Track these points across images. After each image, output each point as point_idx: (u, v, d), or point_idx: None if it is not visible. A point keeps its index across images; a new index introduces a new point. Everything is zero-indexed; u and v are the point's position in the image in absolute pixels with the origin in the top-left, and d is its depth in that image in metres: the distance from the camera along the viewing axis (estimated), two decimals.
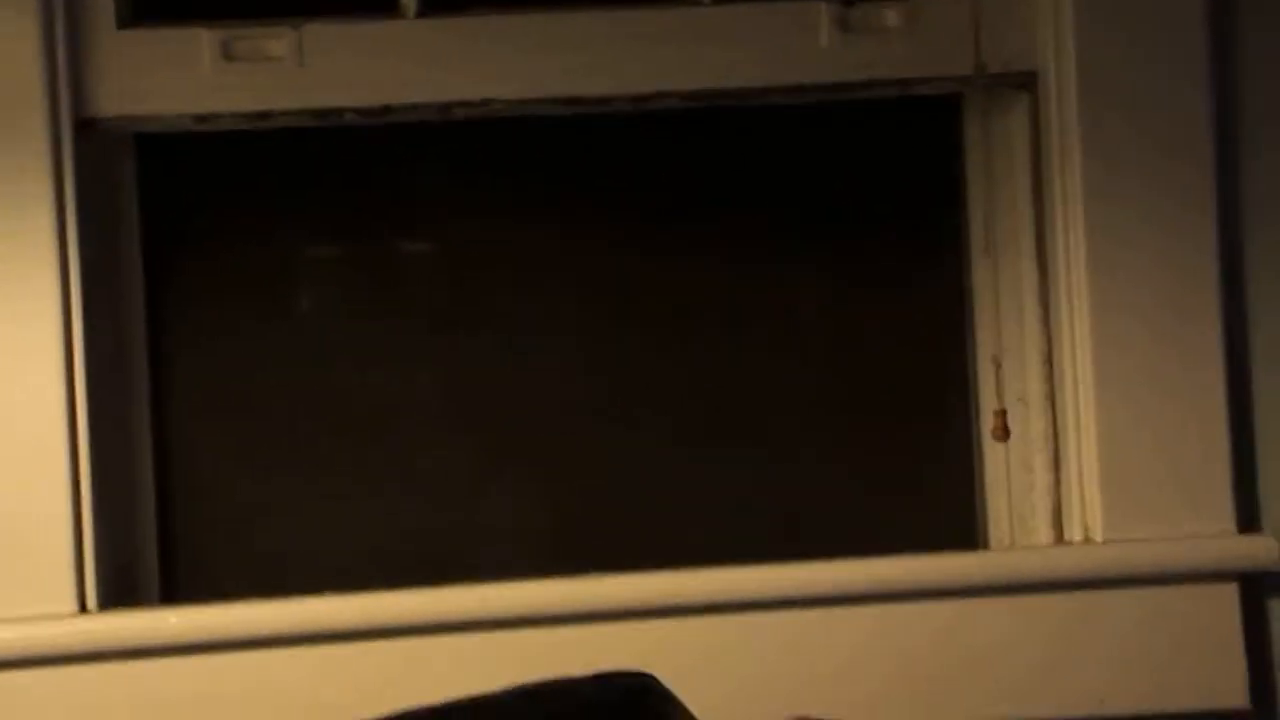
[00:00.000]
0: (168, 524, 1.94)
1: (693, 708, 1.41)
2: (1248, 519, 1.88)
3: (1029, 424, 1.94)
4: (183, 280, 1.95)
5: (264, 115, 1.85)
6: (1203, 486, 1.86)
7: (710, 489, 1.98)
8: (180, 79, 1.84)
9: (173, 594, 1.93)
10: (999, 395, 1.93)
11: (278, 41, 1.85)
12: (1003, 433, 1.91)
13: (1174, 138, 1.86)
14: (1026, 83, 1.90)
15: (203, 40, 1.84)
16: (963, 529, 1.98)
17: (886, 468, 1.99)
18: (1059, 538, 1.92)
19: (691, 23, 1.88)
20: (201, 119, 1.85)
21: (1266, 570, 1.85)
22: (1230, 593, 1.85)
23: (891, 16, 1.89)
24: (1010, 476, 1.96)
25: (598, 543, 1.96)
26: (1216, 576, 1.85)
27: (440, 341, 1.97)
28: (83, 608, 1.81)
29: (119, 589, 1.87)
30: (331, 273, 1.98)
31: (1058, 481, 1.92)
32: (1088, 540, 1.88)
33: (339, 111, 1.86)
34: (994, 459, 1.97)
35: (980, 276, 1.96)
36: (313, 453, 1.96)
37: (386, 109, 1.86)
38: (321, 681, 1.80)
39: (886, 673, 1.83)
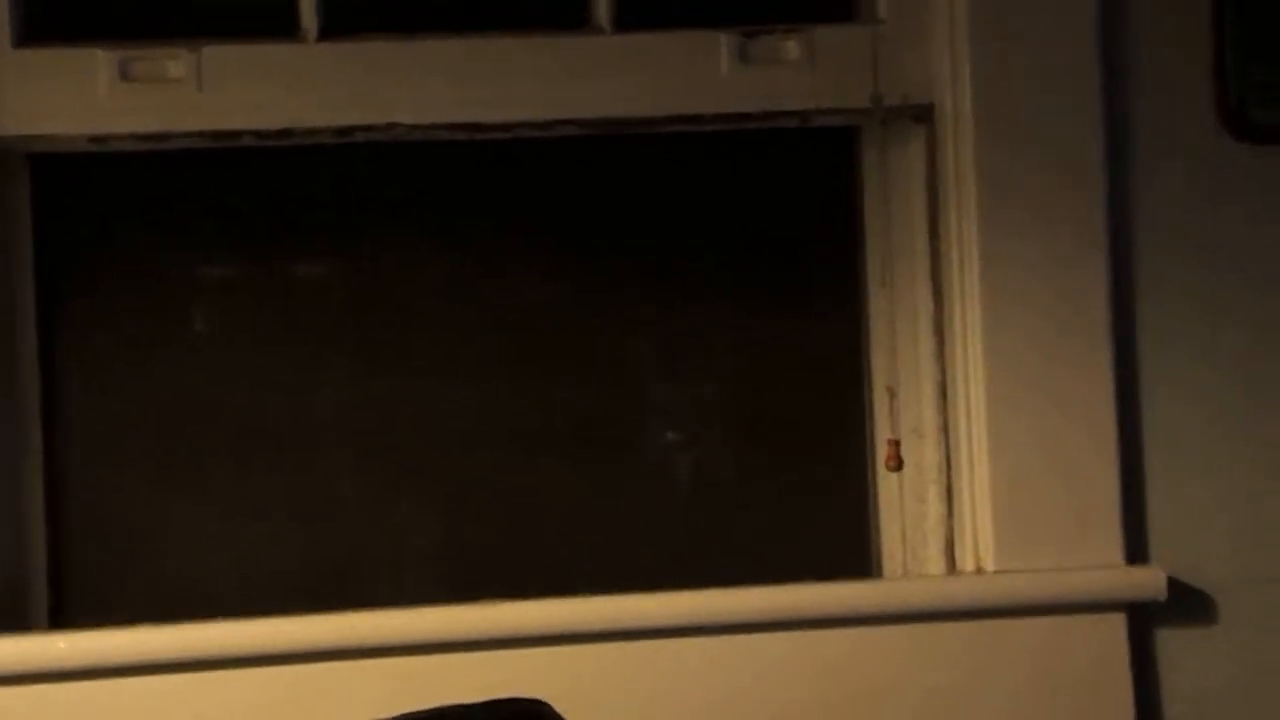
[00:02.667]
0: (58, 548, 1.91)
1: None
2: (1136, 551, 1.90)
3: (923, 454, 1.95)
4: (76, 301, 1.93)
5: (161, 137, 1.84)
6: (1093, 518, 1.88)
7: (606, 516, 1.98)
8: (77, 99, 1.82)
9: (63, 619, 1.90)
10: (893, 425, 1.94)
11: (176, 63, 1.84)
12: (896, 462, 1.91)
13: (1067, 170, 1.88)
14: (923, 115, 1.92)
15: (100, 60, 1.83)
16: (856, 558, 1.99)
17: (781, 496, 2.00)
18: (951, 567, 1.93)
19: (593, 51, 1.88)
20: (97, 139, 1.84)
21: (1153, 601, 1.87)
22: (1118, 623, 1.87)
23: (791, 48, 1.90)
24: (904, 506, 1.97)
25: (495, 568, 1.95)
26: (1105, 607, 1.87)
27: (337, 365, 1.96)
28: None
29: (7, 613, 1.85)
30: (229, 295, 1.96)
31: (951, 512, 1.93)
32: (979, 570, 1.89)
33: (237, 134, 1.85)
34: (887, 489, 1.98)
35: (876, 307, 1.97)
36: (208, 476, 1.95)
37: (286, 132, 1.85)
38: (212, 708, 1.78)
39: (780, 699, 1.84)
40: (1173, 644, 1.90)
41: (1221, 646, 1.91)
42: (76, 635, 1.80)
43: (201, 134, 1.84)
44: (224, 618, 1.81)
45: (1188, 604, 1.90)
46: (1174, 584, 1.88)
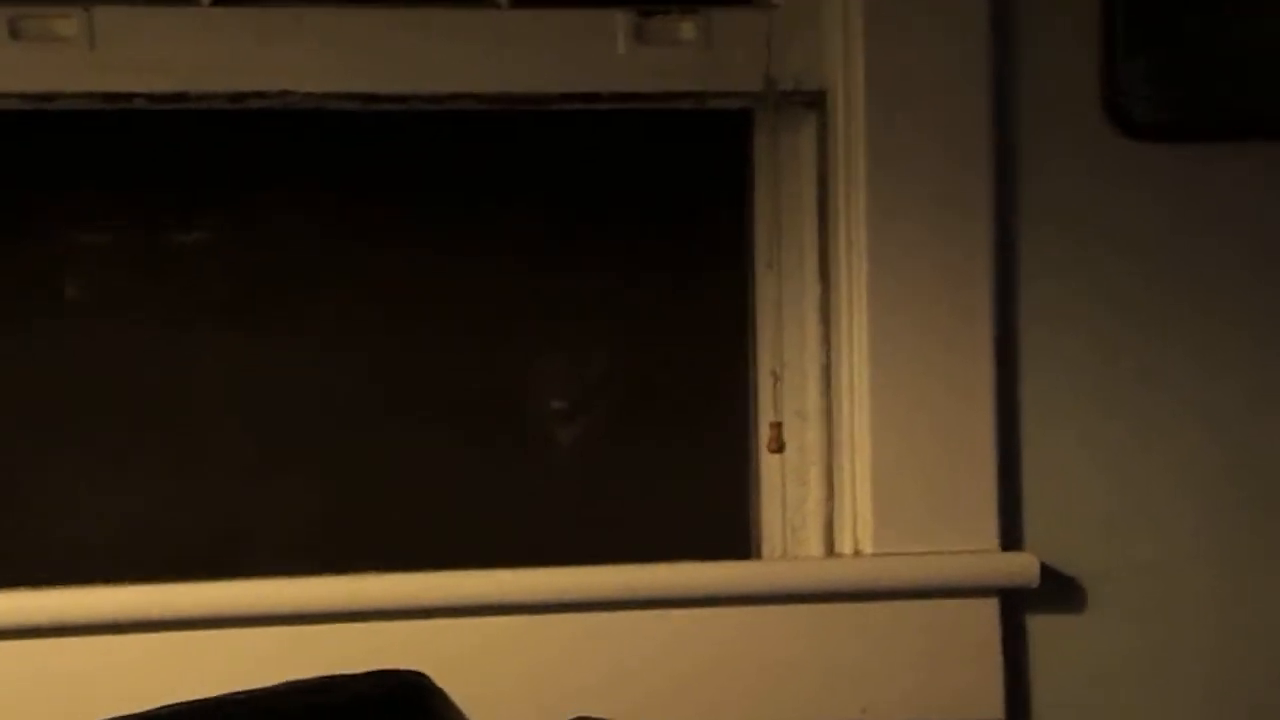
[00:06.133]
0: None
1: (467, 707, 1.41)
2: (1011, 537, 1.93)
3: (805, 437, 1.97)
4: None
5: (50, 97, 1.82)
6: (970, 504, 1.90)
7: (488, 491, 1.98)
8: None
9: None
10: (776, 408, 1.96)
11: (67, 22, 1.82)
12: (777, 445, 1.93)
13: (955, 158, 1.90)
14: (815, 101, 1.94)
15: None
16: (737, 538, 2.01)
17: (663, 475, 2.01)
18: (830, 550, 1.95)
19: (490, 25, 1.88)
20: None
21: (1026, 587, 1.90)
22: (991, 607, 1.90)
23: (687, 29, 1.91)
24: (785, 488, 1.99)
25: (375, 541, 1.95)
26: (979, 592, 1.90)
27: (221, 334, 1.95)
28: None
29: None
30: (115, 262, 1.94)
31: (831, 495, 1.95)
32: (857, 553, 1.91)
33: (129, 96, 1.83)
34: (769, 471, 2.00)
35: (763, 290, 1.99)
36: (86, 444, 1.93)
37: (179, 96, 1.83)
38: (92, 673, 1.77)
39: (661, 677, 1.85)
40: (1044, 629, 1.93)
41: (1092, 632, 1.94)
42: None
43: (92, 95, 1.82)
44: (104, 583, 1.80)
45: (1060, 590, 1.93)
46: (1047, 570, 1.91)
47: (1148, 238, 1.96)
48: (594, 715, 1.57)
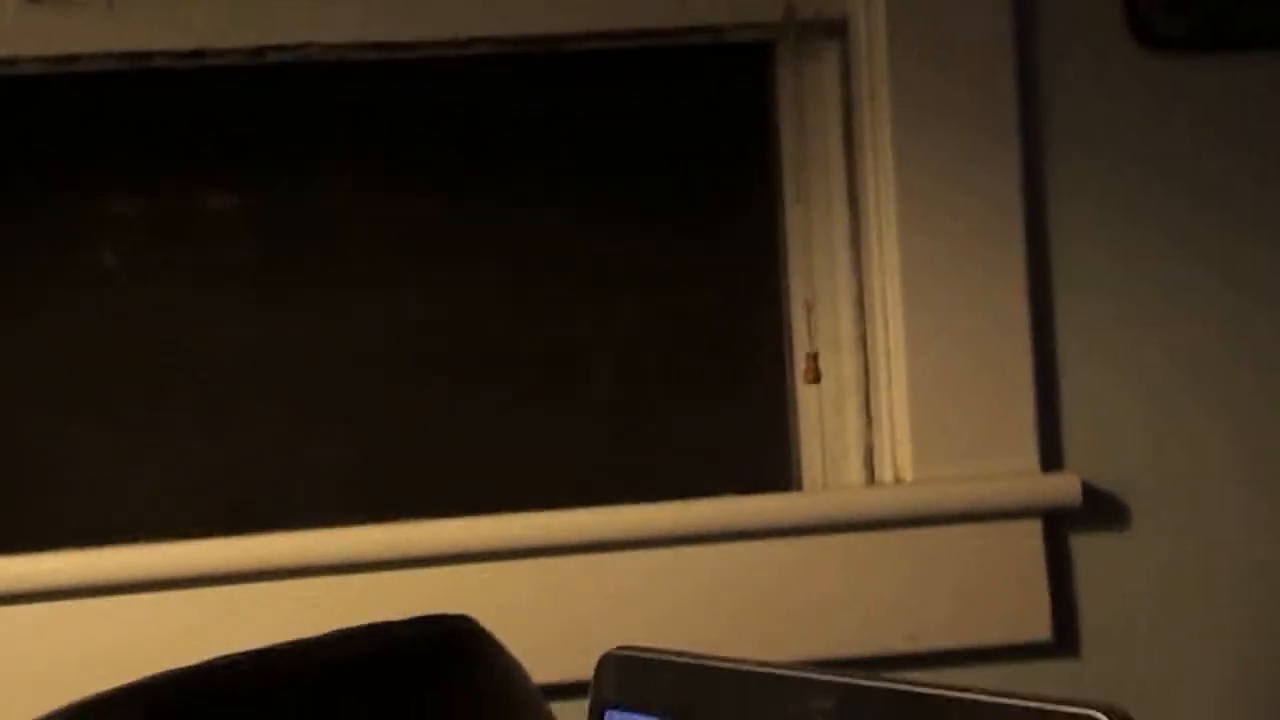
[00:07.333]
0: None
1: (514, 649, 1.42)
2: (1052, 457, 1.92)
3: (841, 367, 1.96)
4: None
5: (70, 59, 1.82)
6: (1009, 426, 1.90)
7: (525, 435, 1.98)
8: None
9: None
10: (811, 339, 1.95)
11: None
12: (814, 376, 1.93)
13: (978, 78, 1.89)
14: (836, 29, 1.93)
15: None
16: (777, 471, 2.01)
17: (700, 412, 2.01)
18: (870, 479, 1.95)
19: None
20: (4, 63, 1.81)
21: (1069, 507, 1.90)
22: (1035, 529, 1.90)
23: None
24: (823, 419, 1.99)
25: (416, 491, 1.95)
26: (1021, 514, 1.89)
27: (248, 292, 1.95)
28: None
29: None
30: (139, 225, 1.94)
31: (869, 423, 1.95)
32: (898, 481, 1.91)
33: (148, 55, 1.83)
34: (807, 402, 1.99)
35: (792, 222, 1.98)
36: (121, 408, 1.93)
37: (197, 53, 1.83)
38: (137, 630, 1.78)
39: (707, 611, 1.85)
40: (1089, 548, 1.93)
41: (1137, 550, 1.94)
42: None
43: (111, 55, 1.83)
44: (138, 542, 1.80)
45: (1103, 509, 1.93)
46: (1089, 489, 1.90)
47: (1175, 153, 1.94)
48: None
